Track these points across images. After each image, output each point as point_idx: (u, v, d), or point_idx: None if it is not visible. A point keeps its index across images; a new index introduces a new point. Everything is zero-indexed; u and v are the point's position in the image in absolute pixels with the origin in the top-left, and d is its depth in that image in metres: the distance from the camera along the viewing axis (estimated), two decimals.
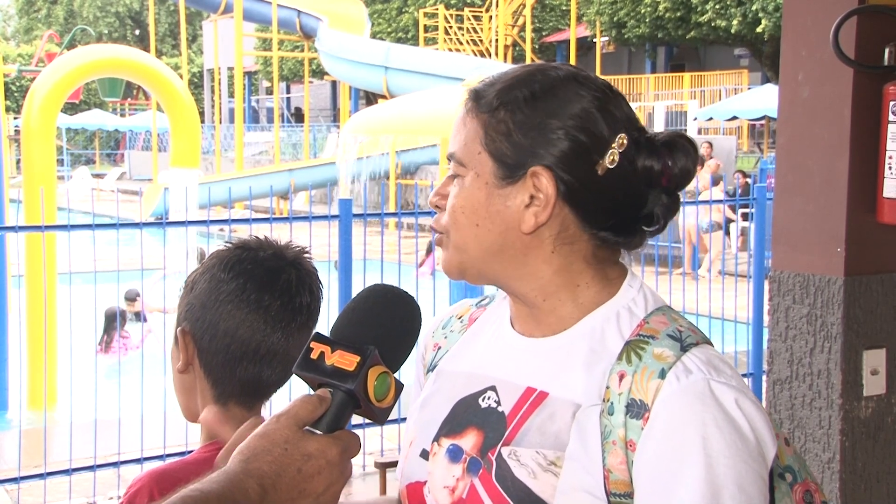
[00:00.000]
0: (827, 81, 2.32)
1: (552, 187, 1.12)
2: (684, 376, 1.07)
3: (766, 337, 2.57)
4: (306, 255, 1.46)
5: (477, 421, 1.18)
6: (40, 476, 4.71)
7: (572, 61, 21.85)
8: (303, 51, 23.98)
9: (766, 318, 2.59)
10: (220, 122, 29.85)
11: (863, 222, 2.31)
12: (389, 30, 30.44)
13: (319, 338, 1.04)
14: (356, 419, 1.05)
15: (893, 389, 2.37)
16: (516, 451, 1.12)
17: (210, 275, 1.41)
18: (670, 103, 22.62)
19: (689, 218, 11.10)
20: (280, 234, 1.74)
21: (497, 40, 24.60)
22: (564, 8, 27.93)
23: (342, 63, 19.74)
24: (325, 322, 1.33)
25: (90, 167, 31.97)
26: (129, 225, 5.19)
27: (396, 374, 1.06)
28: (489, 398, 1.18)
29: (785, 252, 2.44)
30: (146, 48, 25.13)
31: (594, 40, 25.81)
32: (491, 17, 25.40)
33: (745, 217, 12.72)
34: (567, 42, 24.42)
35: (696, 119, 21.11)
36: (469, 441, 1.17)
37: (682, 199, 1.22)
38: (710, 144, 15.91)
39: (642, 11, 23.56)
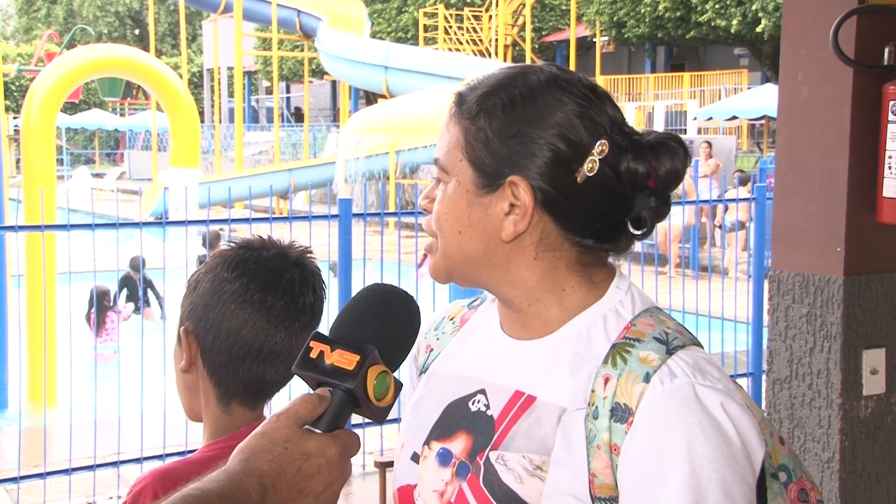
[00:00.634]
0: (827, 81, 2.32)
1: (529, 197, 1.12)
2: (669, 380, 1.07)
3: (765, 336, 2.57)
4: (310, 255, 1.46)
5: (467, 424, 1.18)
6: (40, 476, 4.71)
7: (572, 61, 21.87)
8: (303, 50, 23.97)
9: (765, 317, 2.59)
10: (220, 122, 29.83)
11: (862, 222, 2.31)
12: (389, 29, 30.43)
13: (319, 337, 1.04)
14: (355, 418, 1.05)
15: (893, 389, 2.37)
16: (504, 456, 1.12)
17: (213, 274, 1.41)
18: (670, 103, 22.62)
19: (674, 218, 11.08)
20: (280, 233, 1.74)
21: (497, 40, 24.59)
22: (564, 8, 27.92)
23: (342, 63, 19.74)
24: (326, 322, 1.33)
25: (90, 167, 31.94)
26: (128, 225, 5.19)
27: (395, 374, 1.06)
28: (479, 401, 1.18)
29: (784, 252, 2.44)
30: (146, 48, 25.13)
31: (594, 40, 25.81)
32: (491, 16, 25.40)
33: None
34: (567, 42, 24.41)
35: (695, 119, 21.12)
36: (459, 445, 1.17)
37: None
38: (710, 144, 15.90)
39: (642, 11, 23.55)
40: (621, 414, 1.06)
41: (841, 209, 2.30)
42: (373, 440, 5.20)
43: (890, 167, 2.27)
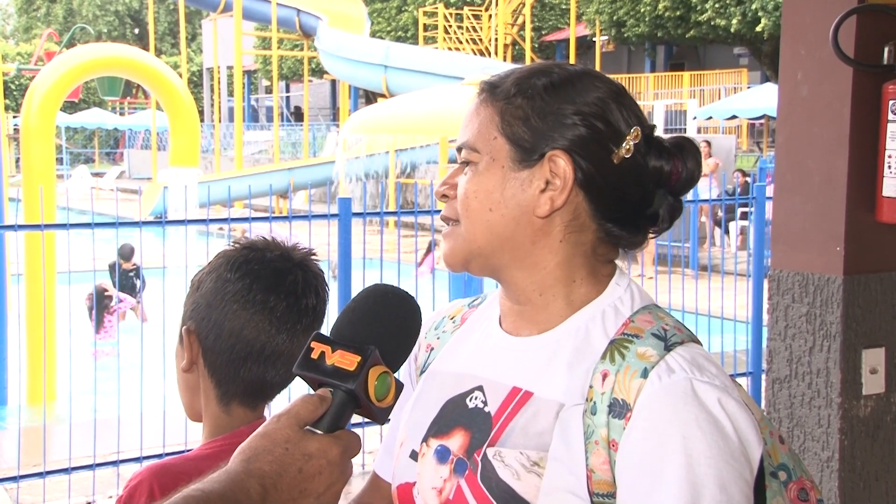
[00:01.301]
0: (826, 80, 2.33)
1: (570, 170, 1.13)
2: (667, 376, 1.07)
3: (765, 336, 2.58)
4: (313, 257, 1.46)
5: (464, 421, 1.18)
6: (39, 475, 4.71)
7: (572, 60, 21.84)
8: (302, 50, 23.96)
9: (765, 316, 2.59)
10: (220, 121, 29.82)
11: (862, 221, 2.31)
12: (389, 29, 30.43)
13: (320, 337, 1.04)
14: (355, 418, 1.04)
15: (892, 388, 2.37)
16: (501, 452, 1.12)
17: (216, 274, 1.41)
18: (670, 102, 22.62)
19: None
20: (278, 233, 1.74)
21: (496, 39, 24.59)
22: (564, 7, 27.92)
23: (342, 62, 19.72)
24: (326, 322, 1.33)
25: (89, 166, 31.95)
26: (128, 224, 5.19)
27: (396, 374, 1.06)
28: (476, 398, 1.18)
29: (784, 251, 2.44)
30: (145, 47, 25.11)
31: (594, 39, 25.80)
32: (490, 15, 25.39)
33: (744, 216, 12.72)
34: (566, 41, 24.41)
35: (695, 118, 21.12)
36: (456, 442, 1.17)
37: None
38: (709, 143, 15.91)
39: (642, 10, 23.55)
40: (619, 409, 1.07)
41: (840, 208, 2.30)
42: (372, 440, 5.20)
43: (889, 166, 2.27)
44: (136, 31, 47.56)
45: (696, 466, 1.02)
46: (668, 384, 1.06)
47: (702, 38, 23.52)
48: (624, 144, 1.14)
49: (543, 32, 29.07)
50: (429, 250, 11.61)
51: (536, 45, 27.93)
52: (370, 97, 26.93)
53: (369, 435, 5.14)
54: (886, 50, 2.27)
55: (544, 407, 1.12)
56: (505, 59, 23.51)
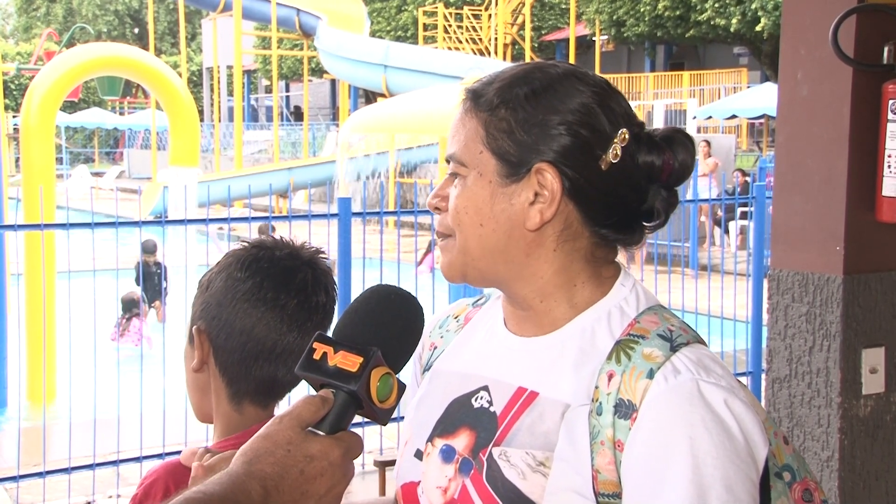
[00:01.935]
0: (826, 80, 2.33)
1: (557, 183, 1.12)
2: (672, 376, 1.07)
3: (765, 335, 2.58)
4: (322, 256, 1.47)
5: (470, 421, 1.18)
6: (39, 475, 4.71)
7: (571, 60, 21.83)
8: (302, 49, 23.96)
9: (765, 316, 2.59)
10: (220, 121, 29.81)
11: (862, 221, 2.31)
12: (389, 28, 30.41)
13: (322, 338, 1.04)
14: (355, 418, 1.04)
15: (892, 388, 2.37)
16: (506, 452, 1.12)
17: (226, 274, 1.41)
18: (669, 102, 22.60)
19: None
20: (278, 232, 1.74)
21: (496, 39, 24.58)
22: (564, 6, 27.91)
23: (341, 61, 19.72)
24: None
25: (89, 165, 31.94)
26: (128, 223, 5.19)
27: (398, 375, 1.05)
28: (482, 398, 1.18)
29: (784, 251, 2.44)
30: (145, 46, 25.10)
31: (593, 39, 25.80)
32: (490, 15, 25.38)
33: (744, 216, 12.72)
34: (566, 40, 24.40)
35: (695, 118, 21.10)
36: (462, 441, 1.17)
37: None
38: (708, 143, 15.90)
39: (641, 10, 23.54)
40: (625, 410, 1.07)
41: (840, 208, 2.30)
42: (372, 439, 5.20)
43: (889, 166, 2.27)
44: (136, 30, 47.54)
45: (702, 467, 1.03)
46: (674, 385, 1.06)
47: (701, 37, 23.51)
48: (611, 150, 1.13)
49: (543, 32, 29.06)
50: (428, 249, 11.62)
51: (536, 45, 27.92)
52: (370, 97, 26.92)
53: (368, 434, 5.14)
54: (886, 49, 2.27)
55: (550, 407, 1.12)
56: (505, 59, 23.50)
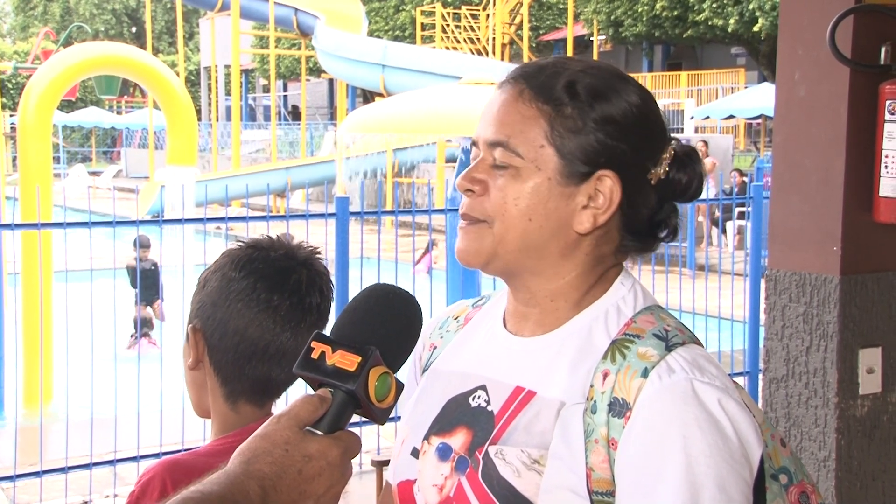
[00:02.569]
0: (823, 80, 2.33)
1: (618, 192, 1.13)
2: (667, 376, 1.07)
3: (762, 335, 2.58)
4: (318, 256, 1.46)
5: (467, 420, 1.18)
6: (36, 474, 4.71)
7: None
8: (300, 49, 23.95)
9: (762, 316, 2.59)
10: (217, 120, 29.78)
11: (859, 221, 2.31)
12: (386, 28, 30.41)
13: (320, 337, 1.04)
14: (353, 417, 1.04)
15: (889, 388, 2.38)
16: (502, 450, 1.13)
17: (221, 273, 1.42)
18: (667, 102, 22.61)
19: None
20: (276, 232, 1.74)
21: (494, 39, 24.58)
22: (562, 6, 27.92)
23: (339, 61, 19.71)
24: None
25: (86, 165, 31.94)
26: (125, 223, 5.19)
27: (397, 374, 1.05)
28: (479, 397, 1.19)
29: (781, 251, 2.44)
30: (143, 45, 25.10)
31: (591, 39, 25.81)
32: (488, 15, 25.38)
33: (741, 216, 12.73)
34: (564, 40, 24.42)
35: (692, 118, 21.12)
36: (458, 440, 1.18)
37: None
38: (706, 143, 15.91)
39: (639, 10, 23.56)
40: (619, 409, 1.07)
41: (837, 208, 2.31)
42: (370, 439, 5.19)
43: (886, 166, 2.27)
44: (134, 29, 47.49)
45: (695, 466, 1.03)
46: (668, 384, 1.07)
47: (699, 37, 23.53)
48: (661, 166, 1.15)
49: (541, 32, 29.07)
50: (427, 250, 11.61)
51: (534, 45, 27.92)
52: (368, 96, 26.91)
53: (366, 433, 5.14)
54: (883, 50, 2.27)
55: (546, 406, 1.12)
56: (502, 59, 23.50)
